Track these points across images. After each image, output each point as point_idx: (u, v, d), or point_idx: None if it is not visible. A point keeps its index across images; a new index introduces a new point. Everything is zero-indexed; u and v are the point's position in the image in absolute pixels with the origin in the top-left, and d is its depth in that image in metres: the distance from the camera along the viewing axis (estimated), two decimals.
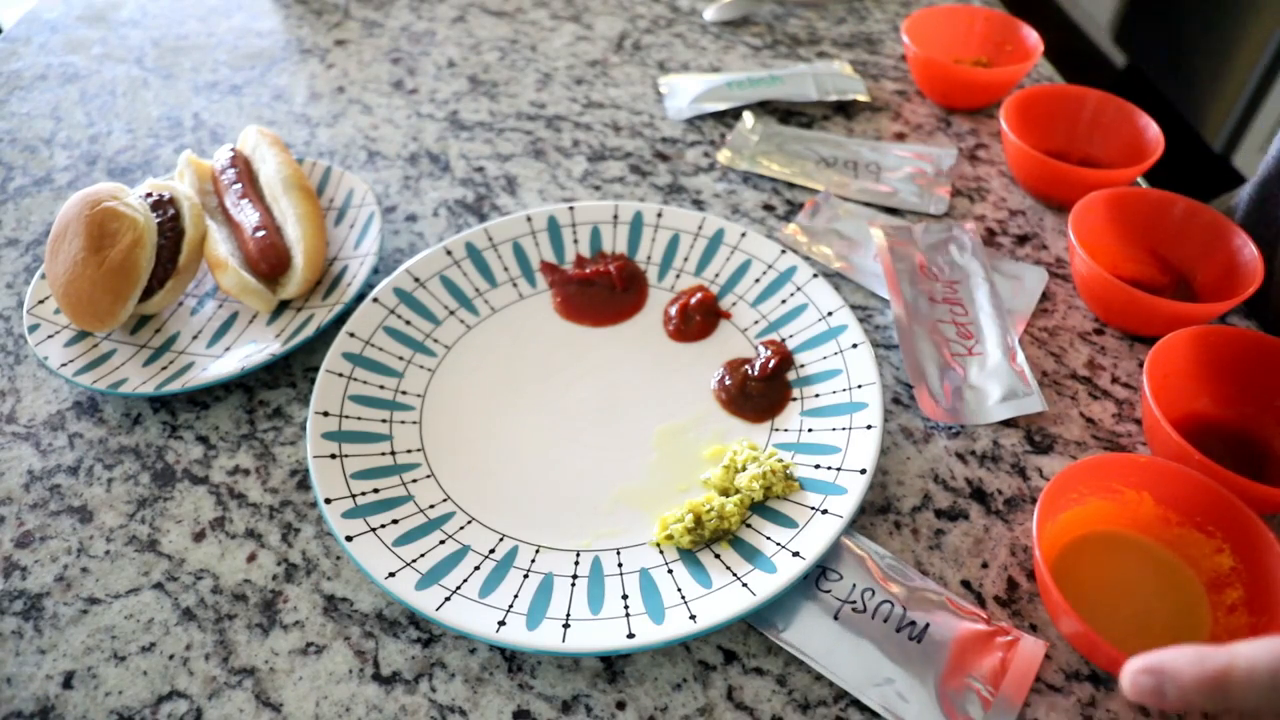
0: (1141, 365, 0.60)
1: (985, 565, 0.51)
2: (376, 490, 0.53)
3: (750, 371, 0.60)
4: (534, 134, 0.84)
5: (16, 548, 0.53)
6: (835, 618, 0.48)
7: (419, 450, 0.57)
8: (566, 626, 0.47)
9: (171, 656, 0.48)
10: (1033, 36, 0.84)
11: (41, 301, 0.64)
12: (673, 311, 0.64)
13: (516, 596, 0.48)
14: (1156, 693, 0.30)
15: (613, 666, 0.47)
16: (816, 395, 0.58)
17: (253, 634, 0.49)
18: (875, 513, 0.54)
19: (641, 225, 0.69)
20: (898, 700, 0.45)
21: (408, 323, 0.63)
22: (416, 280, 0.65)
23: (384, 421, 0.58)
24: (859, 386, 0.57)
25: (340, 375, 0.58)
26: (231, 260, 0.63)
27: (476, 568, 0.50)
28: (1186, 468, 0.48)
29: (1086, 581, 0.48)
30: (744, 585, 0.48)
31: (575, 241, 0.69)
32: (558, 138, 0.83)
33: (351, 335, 0.61)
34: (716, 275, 0.67)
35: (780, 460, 0.54)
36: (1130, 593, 0.48)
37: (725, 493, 0.53)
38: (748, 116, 0.84)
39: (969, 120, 0.85)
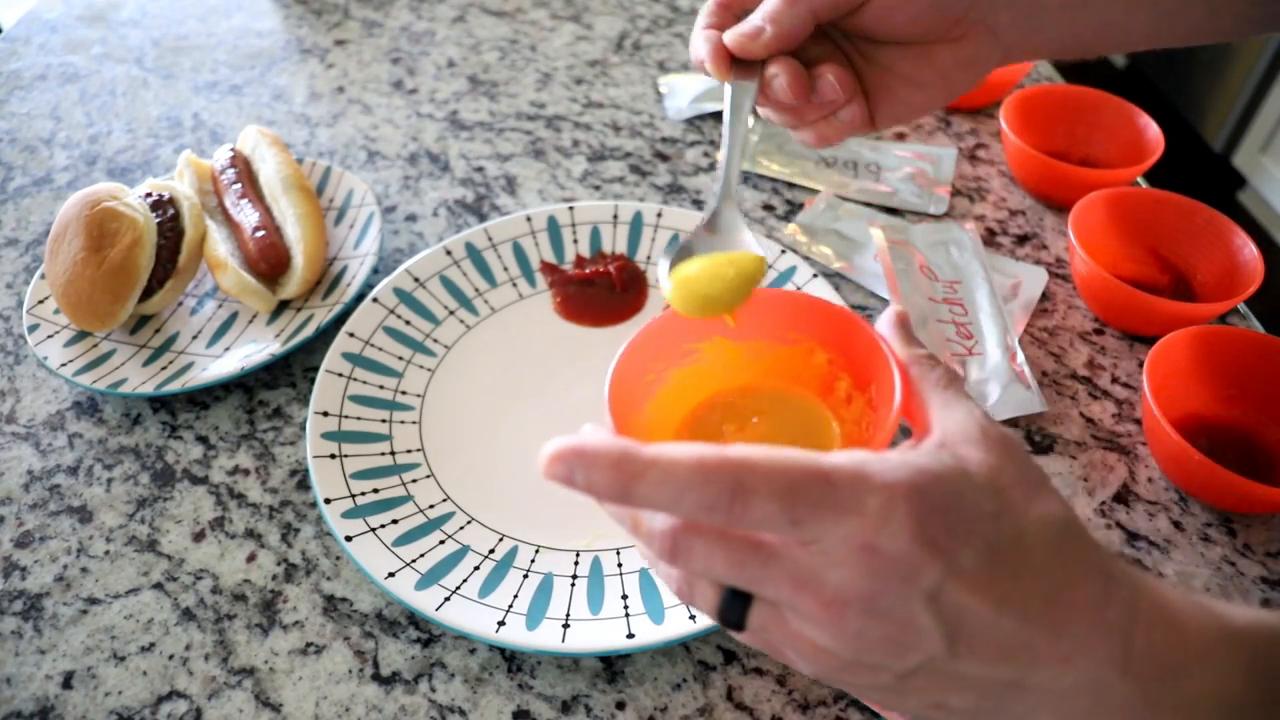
0: (1141, 365, 0.60)
1: None
2: (376, 490, 0.53)
3: None
4: (534, 134, 0.84)
5: (16, 548, 0.53)
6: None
7: (419, 450, 0.57)
8: (566, 626, 0.47)
9: (171, 656, 0.48)
10: None
11: (41, 301, 0.64)
12: None
13: (516, 596, 0.48)
14: (567, 479, 0.27)
15: (613, 666, 0.47)
16: None
17: (252, 634, 0.49)
18: None
19: (641, 225, 0.69)
20: None
21: (407, 323, 0.63)
22: (416, 280, 0.65)
23: (384, 421, 0.58)
24: None
25: (340, 375, 0.58)
26: (231, 260, 0.63)
27: (476, 568, 0.50)
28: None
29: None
30: None
31: (575, 241, 0.69)
32: (557, 138, 0.83)
33: (351, 335, 0.61)
34: None
35: None
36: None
37: None
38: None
39: (969, 120, 0.85)
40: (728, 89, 0.43)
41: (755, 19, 0.41)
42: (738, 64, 0.43)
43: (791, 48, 0.42)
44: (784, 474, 0.26)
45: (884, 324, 0.35)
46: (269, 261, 0.63)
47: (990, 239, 0.72)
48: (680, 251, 0.42)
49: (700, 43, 0.43)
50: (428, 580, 0.49)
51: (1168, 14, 0.45)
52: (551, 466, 0.27)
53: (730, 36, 0.42)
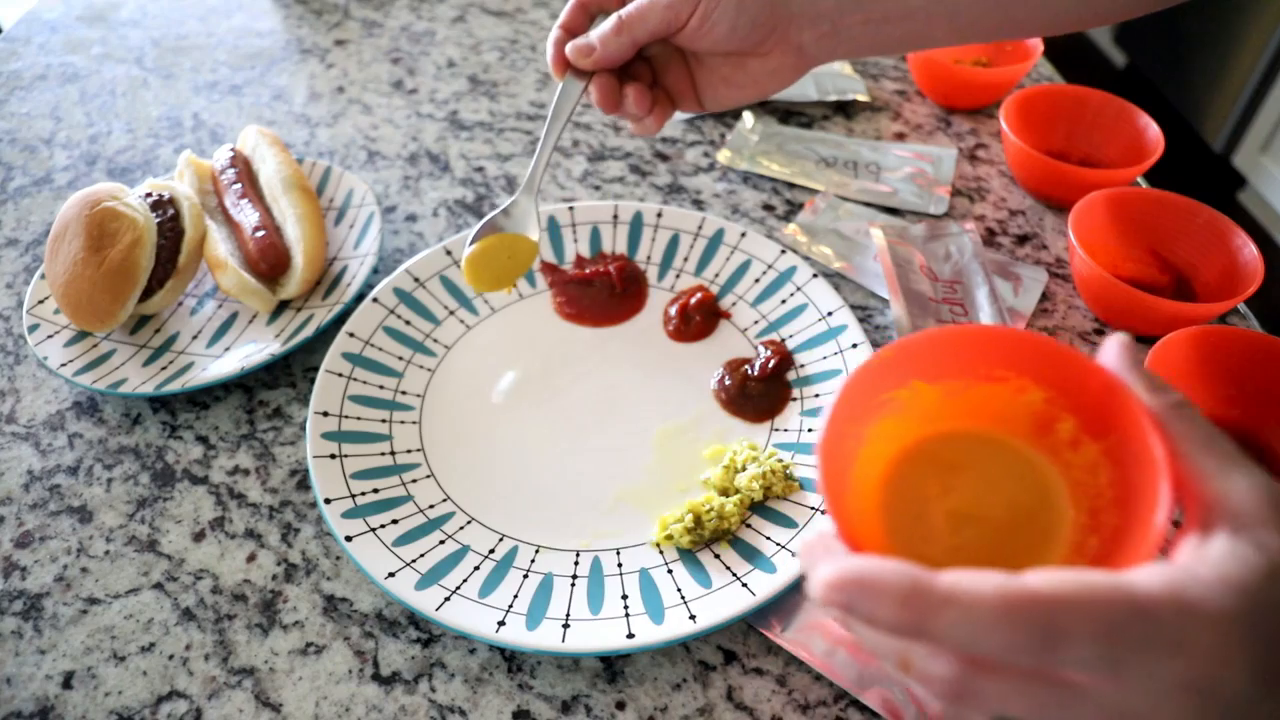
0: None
1: None
2: (376, 490, 0.53)
3: (750, 372, 0.60)
4: (534, 134, 0.84)
5: (16, 548, 0.53)
6: (835, 617, 0.48)
7: (419, 450, 0.57)
8: (566, 626, 0.47)
9: (171, 656, 0.48)
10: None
11: (41, 301, 0.64)
12: (673, 312, 0.64)
13: (516, 596, 0.48)
14: (846, 608, 0.25)
15: (612, 666, 0.47)
16: (816, 395, 0.58)
17: (252, 634, 0.49)
18: None
19: (641, 225, 0.69)
20: (898, 700, 0.45)
21: (407, 323, 0.63)
22: (416, 280, 0.65)
23: (384, 421, 0.58)
24: None
25: (340, 375, 0.58)
26: (231, 260, 0.63)
27: (476, 568, 0.50)
28: (938, 332, 0.35)
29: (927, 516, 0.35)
30: (744, 585, 0.48)
31: (575, 241, 0.69)
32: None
33: (351, 335, 0.61)
34: (716, 275, 0.67)
35: (780, 460, 0.54)
36: (972, 508, 0.35)
37: (725, 493, 0.53)
38: (747, 116, 0.84)
39: (969, 120, 0.85)
40: (560, 86, 0.52)
41: (592, 37, 0.50)
42: (572, 68, 0.52)
43: (615, 66, 0.52)
44: (1100, 612, 0.24)
45: (1113, 358, 0.31)
46: (269, 261, 0.63)
47: (990, 239, 0.72)
48: (481, 229, 0.53)
49: (551, 43, 0.52)
50: (428, 580, 0.49)
51: (966, 25, 0.51)
52: (828, 594, 0.25)
53: (569, 47, 0.51)
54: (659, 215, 0.69)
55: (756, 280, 0.65)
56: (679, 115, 0.85)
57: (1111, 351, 0.31)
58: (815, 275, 0.64)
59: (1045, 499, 0.34)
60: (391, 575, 0.48)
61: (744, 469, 0.53)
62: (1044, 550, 0.33)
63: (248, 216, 0.66)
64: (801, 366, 0.60)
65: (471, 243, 0.53)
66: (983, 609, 0.24)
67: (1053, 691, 0.25)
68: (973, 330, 0.35)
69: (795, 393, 0.59)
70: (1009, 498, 0.34)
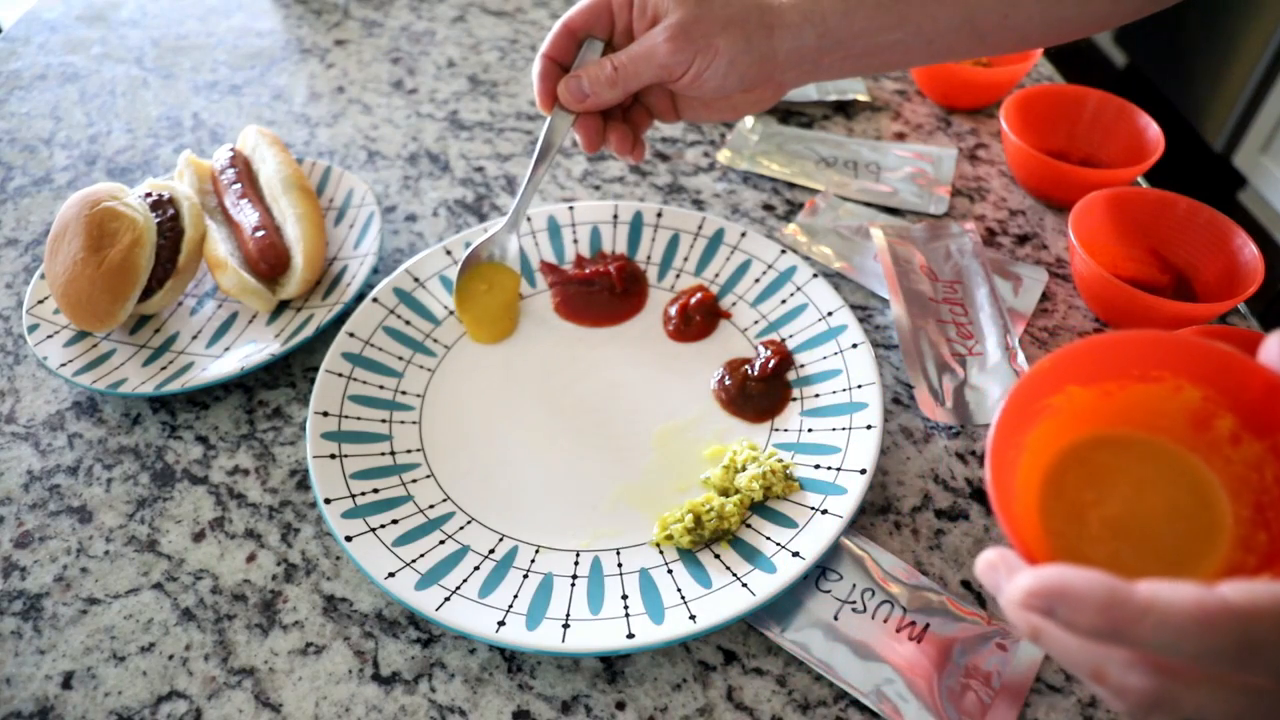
0: None
1: None
2: (376, 490, 0.53)
3: (750, 371, 0.60)
4: (534, 134, 0.84)
5: (16, 548, 0.53)
6: (835, 618, 0.48)
7: (419, 450, 0.57)
8: (566, 626, 0.47)
9: (171, 657, 0.48)
10: None
11: (41, 301, 0.64)
12: (673, 311, 0.64)
13: (516, 596, 0.48)
14: (1046, 612, 0.26)
15: (613, 666, 0.47)
16: (816, 395, 0.58)
17: (252, 634, 0.49)
18: (875, 513, 0.54)
19: (641, 225, 0.69)
20: (898, 700, 0.45)
21: (407, 323, 0.63)
22: (416, 280, 0.65)
23: (384, 421, 0.58)
24: (859, 386, 0.57)
25: (340, 375, 0.58)
26: (231, 260, 0.63)
27: (476, 568, 0.50)
28: (1098, 339, 0.36)
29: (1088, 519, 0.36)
30: (744, 585, 0.48)
31: (575, 241, 0.69)
32: None
33: (351, 335, 0.61)
34: (716, 275, 0.67)
35: (780, 460, 0.54)
36: (1133, 512, 0.36)
37: (725, 493, 0.53)
38: (747, 116, 0.84)
39: (969, 120, 0.85)
40: (549, 120, 0.55)
41: (585, 84, 0.53)
42: (559, 104, 0.54)
43: (604, 109, 0.55)
44: None
45: (1275, 357, 0.32)
46: (269, 261, 0.63)
47: (990, 239, 0.72)
48: (467, 261, 0.57)
49: (536, 75, 0.54)
50: (428, 580, 0.49)
51: (944, 50, 0.54)
52: (1030, 601, 0.26)
53: (562, 88, 0.53)
54: (659, 215, 0.69)
55: (756, 280, 0.65)
56: None
57: (1274, 351, 0.32)
58: (815, 275, 0.64)
59: (1203, 498, 0.35)
60: (391, 575, 0.48)
61: (744, 469, 0.53)
62: (1208, 549, 0.34)
63: (248, 216, 0.66)
64: (801, 366, 0.60)
65: (462, 271, 0.56)
66: (1182, 618, 0.25)
67: (1246, 696, 0.27)
68: (1130, 335, 0.36)
69: (795, 393, 0.59)
70: (1165, 500, 0.35)
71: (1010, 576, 0.28)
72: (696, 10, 0.50)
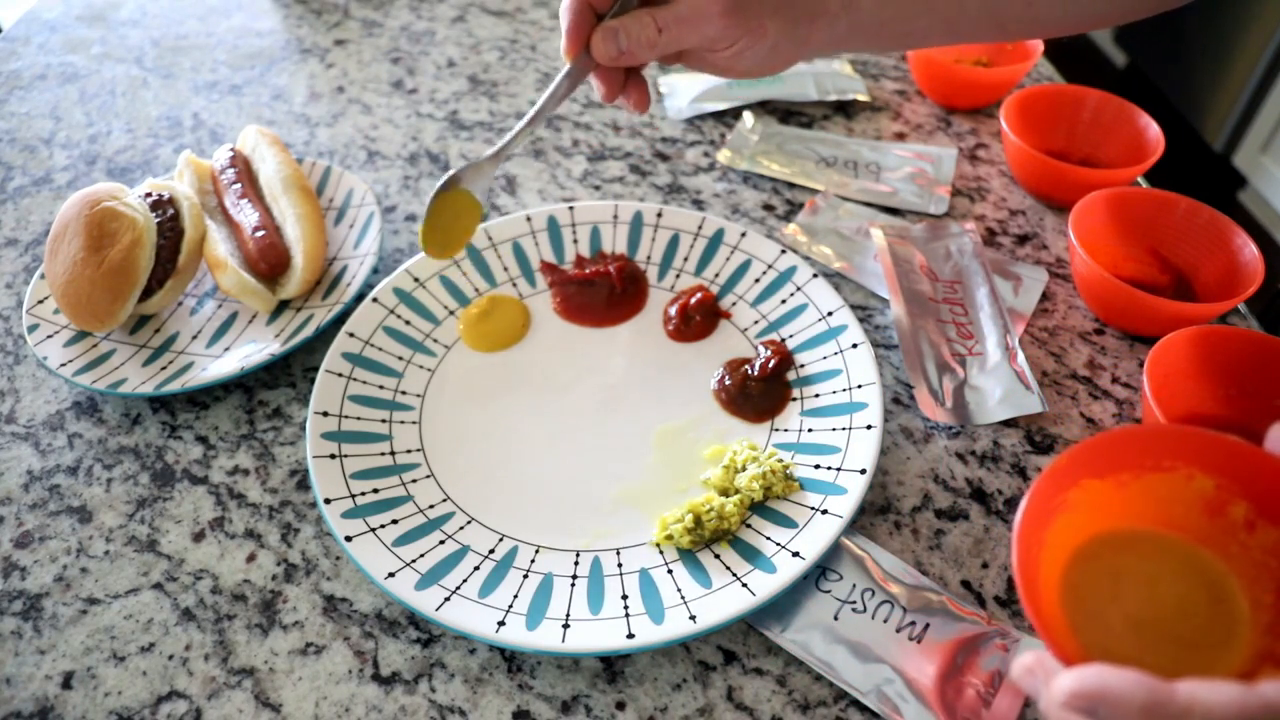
0: (1141, 365, 0.60)
1: (985, 565, 0.51)
2: (376, 490, 0.53)
3: (750, 371, 0.60)
4: (533, 133, 0.84)
5: (16, 548, 0.53)
6: (835, 618, 0.48)
7: (418, 450, 0.57)
8: (566, 627, 0.47)
9: (171, 657, 0.48)
10: None
11: (41, 301, 0.64)
12: (673, 311, 0.64)
13: (516, 597, 0.48)
14: (1090, 713, 0.27)
15: (612, 666, 0.47)
16: (816, 395, 0.58)
17: (252, 634, 0.49)
18: (875, 513, 0.54)
19: (641, 225, 0.69)
20: (898, 700, 0.45)
21: (407, 323, 0.63)
22: (416, 280, 0.65)
23: (383, 421, 0.58)
24: (859, 386, 0.57)
25: (340, 375, 0.58)
26: (231, 260, 0.63)
27: (476, 568, 0.50)
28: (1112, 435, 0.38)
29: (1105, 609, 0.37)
30: (744, 585, 0.48)
31: (575, 241, 0.69)
32: (558, 137, 0.83)
33: (351, 335, 0.61)
34: (716, 275, 0.67)
35: (780, 460, 0.54)
36: (1147, 599, 0.37)
37: (725, 493, 0.53)
38: (747, 116, 0.84)
39: (969, 120, 0.85)
40: (567, 65, 0.50)
41: (623, 41, 0.49)
42: (587, 50, 0.50)
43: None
44: None
45: None
46: (269, 261, 0.63)
47: (990, 239, 0.72)
48: (447, 182, 0.53)
49: (567, 15, 0.49)
50: (428, 580, 0.49)
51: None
52: (1074, 702, 0.27)
53: (598, 39, 0.49)
54: (659, 215, 0.69)
55: (756, 280, 0.65)
56: (679, 115, 0.85)
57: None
58: (815, 275, 0.64)
59: (1217, 592, 0.36)
60: (391, 575, 0.48)
61: (744, 469, 0.53)
62: (1229, 638, 0.35)
63: (248, 216, 0.66)
64: (801, 366, 0.60)
65: (440, 191, 0.53)
66: (1220, 712, 0.26)
67: None
68: (1140, 430, 0.38)
69: (795, 393, 0.59)
70: (1177, 594, 0.36)
71: (1048, 680, 0.29)
72: None
